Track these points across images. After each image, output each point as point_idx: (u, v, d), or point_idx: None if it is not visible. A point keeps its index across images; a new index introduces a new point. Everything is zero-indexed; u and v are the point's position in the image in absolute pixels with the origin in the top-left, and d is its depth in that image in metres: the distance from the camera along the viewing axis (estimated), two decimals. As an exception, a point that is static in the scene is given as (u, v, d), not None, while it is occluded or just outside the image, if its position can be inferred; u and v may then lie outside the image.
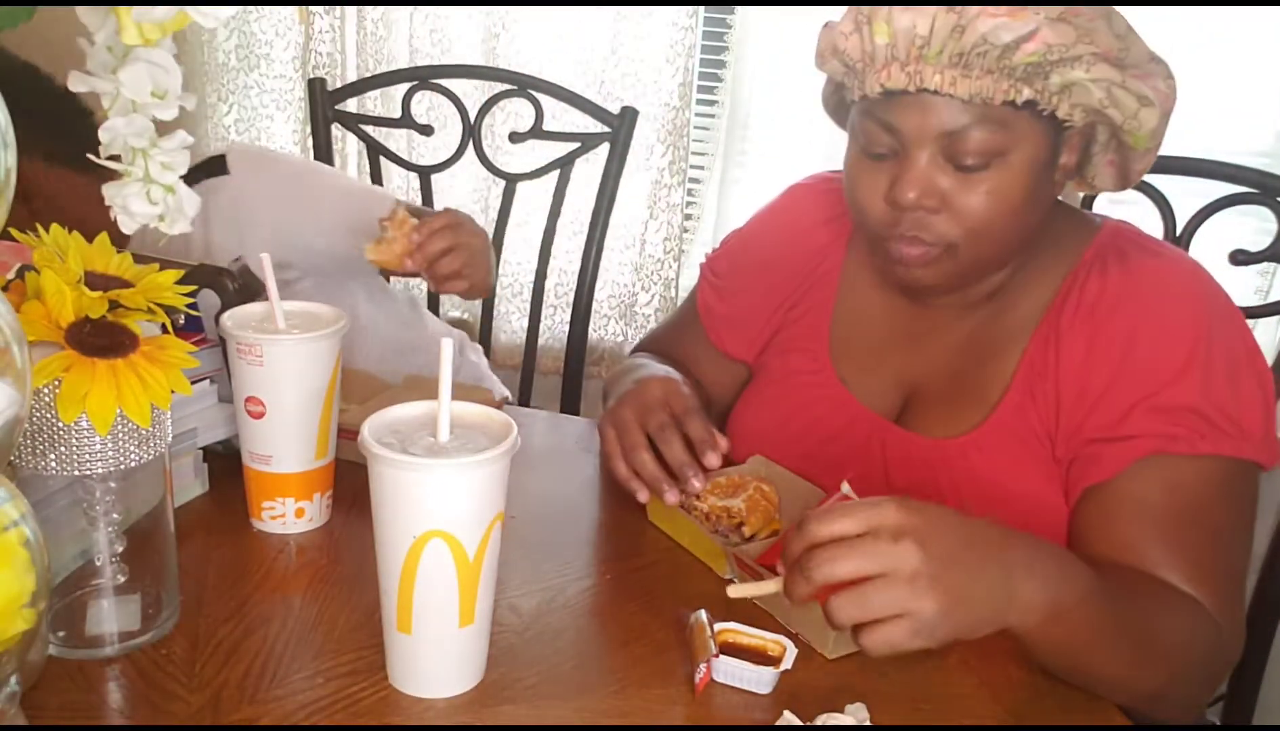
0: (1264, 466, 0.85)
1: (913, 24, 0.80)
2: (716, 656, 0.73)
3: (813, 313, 1.06)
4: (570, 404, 1.73)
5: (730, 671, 0.73)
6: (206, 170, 1.33)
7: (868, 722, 0.69)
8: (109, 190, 0.59)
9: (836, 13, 0.88)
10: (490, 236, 1.67)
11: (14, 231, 0.71)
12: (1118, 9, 0.83)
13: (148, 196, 0.59)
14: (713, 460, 0.89)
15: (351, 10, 2.02)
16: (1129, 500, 0.84)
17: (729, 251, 1.17)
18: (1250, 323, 0.92)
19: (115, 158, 0.58)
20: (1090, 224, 0.94)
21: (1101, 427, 0.85)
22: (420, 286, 2.09)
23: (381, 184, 1.76)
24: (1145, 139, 0.85)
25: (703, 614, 0.77)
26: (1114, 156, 0.90)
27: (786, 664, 0.73)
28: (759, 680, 0.73)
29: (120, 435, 0.68)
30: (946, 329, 0.97)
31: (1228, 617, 0.82)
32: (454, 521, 0.65)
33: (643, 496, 0.90)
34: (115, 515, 0.72)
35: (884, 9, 0.82)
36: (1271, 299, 1.57)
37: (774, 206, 1.16)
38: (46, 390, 0.65)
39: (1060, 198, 0.93)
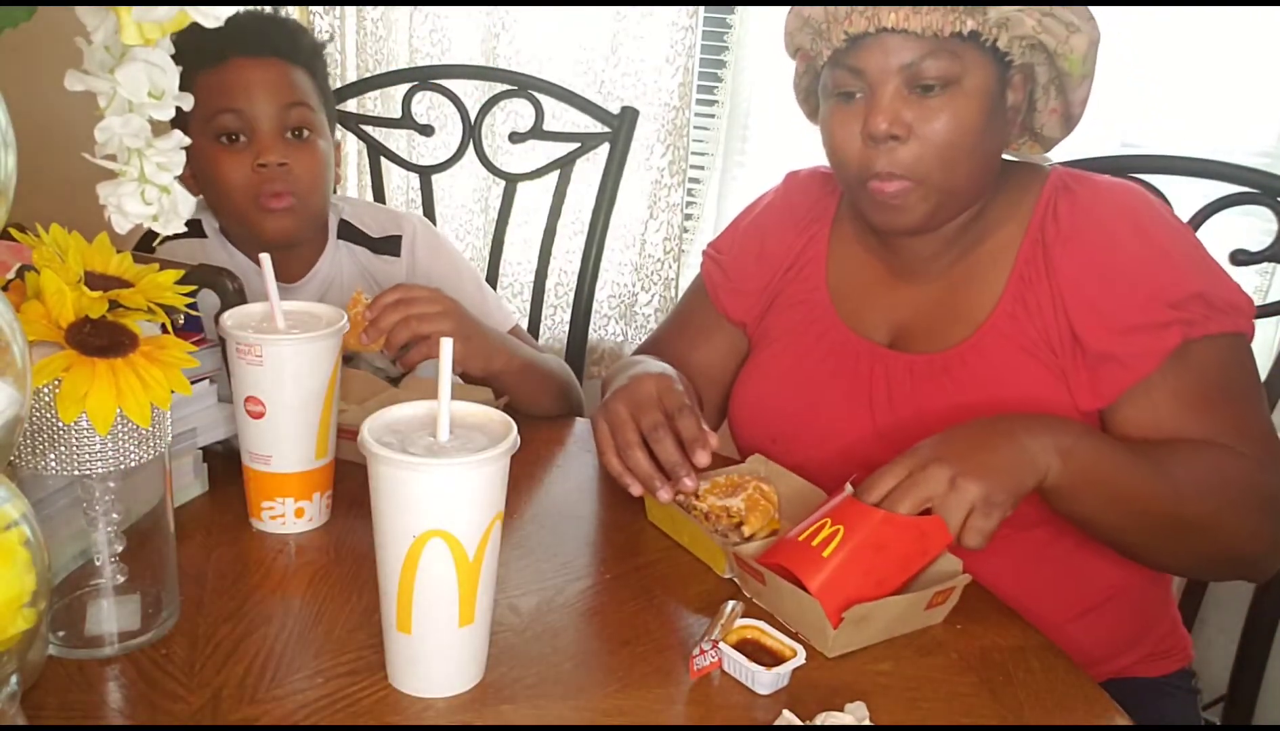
0: (1250, 336, 0.96)
1: None
2: (714, 646, 0.74)
3: (809, 267, 1.14)
4: (570, 404, 1.72)
5: (734, 662, 0.74)
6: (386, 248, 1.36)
7: (868, 722, 0.69)
8: (103, 190, 0.59)
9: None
10: (490, 238, 1.68)
11: (14, 231, 0.71)
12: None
13: (142, 196, 0.59)
14: (702, 458, 0.90)
15: (351, 10, 2.01)
16: (1168, 390, 0.93)
17: (730, 229, 1.24)
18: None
19: (111, 157, 0.58)
20: (1041, 166, 1.05)
21: (1126, 330, 0.93)
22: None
23: (382, 184, 1.77)
24: (1079, 64, 0.95)
25: (732, 604, 0.79)
26: (1056, 103, 1.00)
27: (784, 670, 0.73)
28: (753, 678, 0.73)
29: (120, 435, 0.68)
30: (928, 263, 1.05)
31: (1277, 466, 0.92)
32: (454, 521, 0.65)
33: (635, 490, 0.92)
34: (115, 515, 0.73)
35: None
36: (1271, 299, 1.57)
37: (772, 191, 1.23)
38: (46, 390, 0.65)
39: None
